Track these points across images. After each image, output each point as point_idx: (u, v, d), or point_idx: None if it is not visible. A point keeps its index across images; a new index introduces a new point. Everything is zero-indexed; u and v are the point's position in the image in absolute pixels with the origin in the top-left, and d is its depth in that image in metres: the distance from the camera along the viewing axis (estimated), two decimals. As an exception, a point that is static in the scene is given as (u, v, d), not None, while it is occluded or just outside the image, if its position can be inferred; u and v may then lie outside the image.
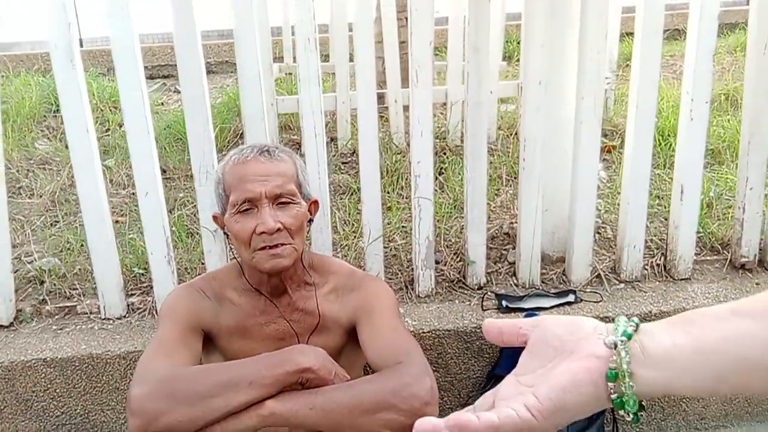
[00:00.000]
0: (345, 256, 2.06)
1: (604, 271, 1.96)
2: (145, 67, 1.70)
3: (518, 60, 3.71)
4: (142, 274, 1.99)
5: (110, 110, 3.32)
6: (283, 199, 1.27)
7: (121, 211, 2.47)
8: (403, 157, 2.71)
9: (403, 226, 2.21)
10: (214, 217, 1.37)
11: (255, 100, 1.74)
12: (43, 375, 1.72)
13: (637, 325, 0.56)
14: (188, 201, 2.48)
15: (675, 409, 1.90)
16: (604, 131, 2.72)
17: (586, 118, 1.82)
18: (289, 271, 1.31)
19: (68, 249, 2.17)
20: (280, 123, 3.03)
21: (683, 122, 1.86)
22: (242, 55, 1.70)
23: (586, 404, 0.55)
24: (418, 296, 1.91)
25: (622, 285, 1.94)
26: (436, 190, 2.11)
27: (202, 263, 1.94)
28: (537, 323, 0.61)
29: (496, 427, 0.52)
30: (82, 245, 2.13)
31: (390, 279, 1.97)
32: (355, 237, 2.15)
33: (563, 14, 1.85)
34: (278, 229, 1.25)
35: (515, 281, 1.95)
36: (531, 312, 1.79)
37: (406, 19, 1.80)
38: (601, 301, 1.85)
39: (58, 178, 2.68)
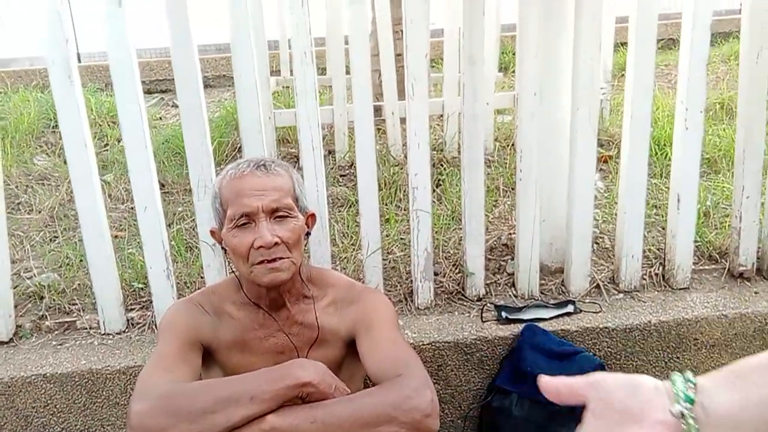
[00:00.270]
0: (344, 268, 2.07)
1: (602, 282, 1.96)
2: (143, 82, 1.71)
3: (514, 71, 3.74)
4: (142, 289, 1.99)
5: (108, 125, 3.33)
6: (280, 213, 1.28)
7: (120, 225, 2.48)
8: (401, 169, 2.72)
9: (401, 238, 2.22)
10: (212, 232, 1.37)
11: (252, 114, 1.75)
12: (43, 391, 1.72)
13: (695, 384, 0.58)
14: (187, 215, 2.49)
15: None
16: (600, 141, 2.73)
17: (582, 129, 1.83)
18: (287, 284, 1.31)
19: (67, 264, 2.17)
20: (278, 136, 3.05)
21: (678, 132, 1.88)
22: (240, 69, 1.71)
23: None
24: (418, 308, 1.91)
25: (621, 295, 1.94)
26: (433, 202, 2.12)
27: (202, 277, 1.94)
28: (593, 383, 0.62)
29: None
30: (81, 260, 2.13)
31: (389, 291, 1.97)
32: (353, 249, 2.15)
33: (557, 25, 1.87)
34: (276, 243, 1.25)
35: (514, 292, 1.95)
36: (531, 323, 1.79)
37: (402, 32, 1.81)
38: (600, 311, 1.85)
39: (57, 194, 2.68)
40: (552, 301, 1.90)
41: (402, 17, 1.76)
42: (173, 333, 1.32)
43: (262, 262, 1.26)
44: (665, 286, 1.97)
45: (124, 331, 1.87)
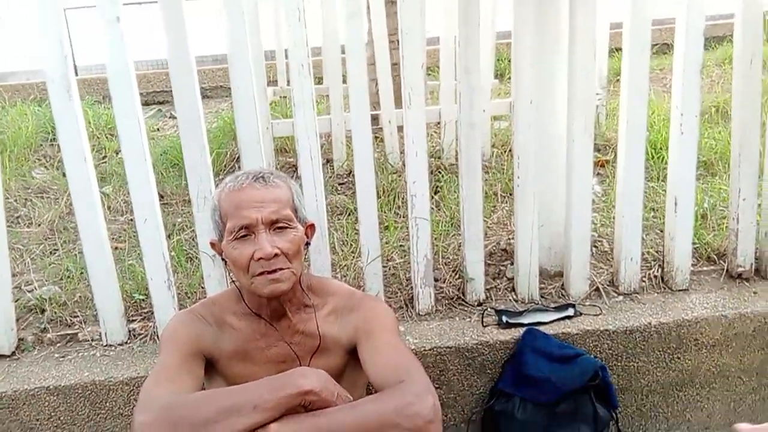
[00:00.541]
0: (344, 276, 2.07)
1: (602, 284, 1.97)
2: (140, 94, 1.72)
3: (510, 77, 3.76)
4: (143, 300, 1.99)
5: (106, 137, 3.35)
6: (280, 225, 1.29)
7: (120, 237, 2.48)
8: (399, 176, 2.73)
9: (401, 245, 2.23)
10: (212, 244, 1.38)
11: (250, 125, 1.76)
12: (47, 403, 1.72)
13: None
14: (186, 226, 2.50)
15: (679, 419, 1.91)
16: (597, 146, 2.75)
17: (578, 136, 1.84)
18: (288, 294, 1.32)
19: (68, 277, 2.17)
20: (276, 146, 3.06)
21: (674, 136, 1.89)
22: (237, 81, 1.73)
23: None
24: (419, 314, 1.92)
25: (621, 297, 1.95)
26: (432, 209, 2.13)
27: (202, 287, 1.95)
28: None
29: None
30: (81, 273, 2.14)
31: (390, 298, 1.98)
32: (353, 257, 2.16)
33: (552, 33, 1.89)
34: (276, 254, 1.26)
35: (514, 296, 1.96)
36: (531, 327, 1.79)
37: (398, 41, 1.83)
38: (600, 314, 1.86)
39: (56, 207, 2.69)
40: (552, 305, 1.91)
41: (397, 27, 1.78)
42: (175, 344, 1.33)
43: (262, 273, 1.26)
44: (665, 288, 1.99)
45: (126, 342, 1.87)
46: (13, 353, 1.85)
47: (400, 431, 1.11)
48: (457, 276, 2.03)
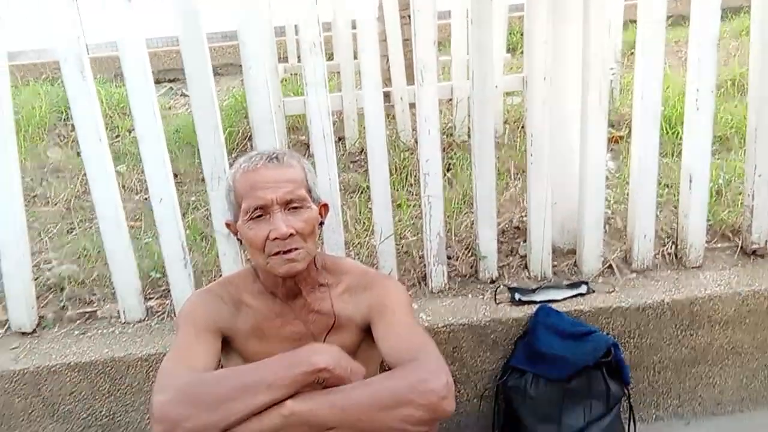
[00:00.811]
0: (357, 254, 2.09)
1: (615, 262, 1.98)
2: (152, 72, 1.72)
3: (522, 51, 3.72)
4: (160, 278, 2.02)
5: (119, 116, 3.36)
6: (294, 205, 1.30)
7: (135, 216, 2.51)
8: (411, 154, 2.73)
9: (413, 223, 2.24)
10: (227, 224, 1.39)
11: (263, 105, 1.76)
12: (68, 379, 1.76)
13: None
14: (200, 204, 2.52)
15: (691, 395, 1.92)
16: (611, 121, 2.72)
17: (592, 112, 1.83)
18: (303, 273, 1.34)
19: (86, 255, 2.21)
20: (288, 124, 3.06)
21: (689, 112, 1.87)
22: (249, 60, 1.72)
23: None
24: (432, 292, 1.94)
25: (634, 275, 1.95)
26: (445, 186, 2.13)
27: (218, 266, 1.97)
28: None
29: None
30: (99, 251, 2.17)
31: (403, 275, 1.99)
32: (366, 235, 2.17)
33: (565, 8, 1.86)
34: (291, 234, 1.27)
35: (527, 274, 1.97)
36: (544, 304, 1.80)
37: (409, 17, 1.81)
38: (613, 291, 1.87)
39: (72, 186, 2.72)
40: (565, 282, 1.92)
41: (409, 2, 1.76)
42: (192, 324, 1.35)
43: (277, 253, 1.28)
44: (678, 265, 1.98)
45: (143, 320, 1.90)
46: (34, 330, 1.89)
47: (414, 407, 1.13)
48: (469, 253, 2.03)
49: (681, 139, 2.00)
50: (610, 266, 1.97)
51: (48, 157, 3.02)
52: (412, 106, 2.81)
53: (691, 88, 1.85)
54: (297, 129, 3.14)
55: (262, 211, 1.28)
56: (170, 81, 4.37)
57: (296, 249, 1.29)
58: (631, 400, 1.79)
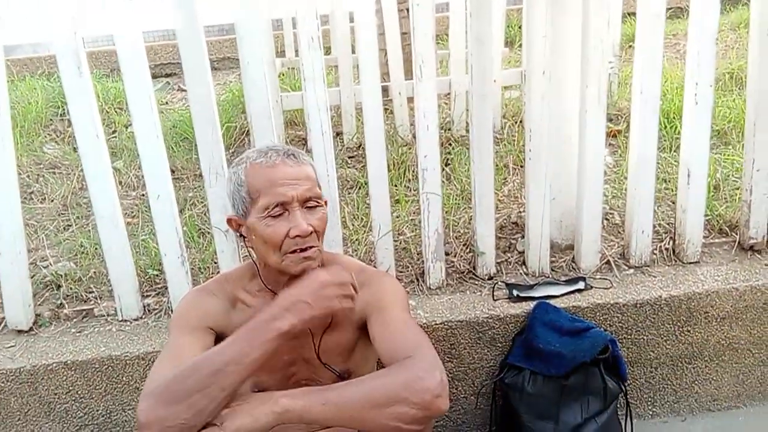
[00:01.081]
0: (355, 251, 2.08)
1: (613, 257, 1.97)
2: (149, 67, 1.71)
3: (520, 45, 3.71)
4: (157, 275, 2.02)
5: (116, 111, 3.34)
6: (311, 203, 1.30)
7: (132, 212, 2.50)
8: (410, 149, 2.72)
9: (411, 219, 2.23)
10: (229, 221, 1.37)
11: (261, 101, 1.75)
12: (65, 377, 1.76)
13: None
14: (198, 200, 2.51)
15: (688, 391, 1.92)
16: (609, 115, 2.72)
17: (591, 107, 1.82)
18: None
19: (82, 253, 2.20)
20: (285, 119, 3.04)
21: (688, 107, 1.87)
22: (246, 56, 1.71)
23: None
24: (429, 288, 1.93)
25: (632, 270, 1.95)
26: (443, 182, 2.12)
27: (215, 262, 1.97)
28: None
29: None
30: (96, 248, 2.16)
31: (401, 272, 1.99)
32: (364, 231, 2.17)
33: (564, 3, 1.85)
34: (310, 232, 1.28)
35: (525, 270, 1.97)
36: (542, 300, 1.80)
37: (407, 10, 1.80)
38: (611, 287, 1.87)
39: (69, 182, 2.70)
40: (563, 278, 1.92)
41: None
42: (181, 326, 1.34)
43: (295, 251, 1.27)
44: (676, 261, 1.98)
45: (141, 318, 1.90)
46: (31, 329, 1.88)
47: (408, 405, 1.13)
48: (468, 250, 2.03)
49: (679, 133, 1.99)
50: (608, 262, 1.97)
51: (44, 153, 3.00)
52: (411, 100, 2.81)
53: (689, 82, 1.85)
54: (295, 124, 3.13)
55: (281, 209, 1.28)
56: (167, 75, 4.35)
57: (311, 247, 1.29)
58: (628, 397, 1.79)
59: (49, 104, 3.36)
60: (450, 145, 2.76)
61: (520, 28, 3.85)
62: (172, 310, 1.88)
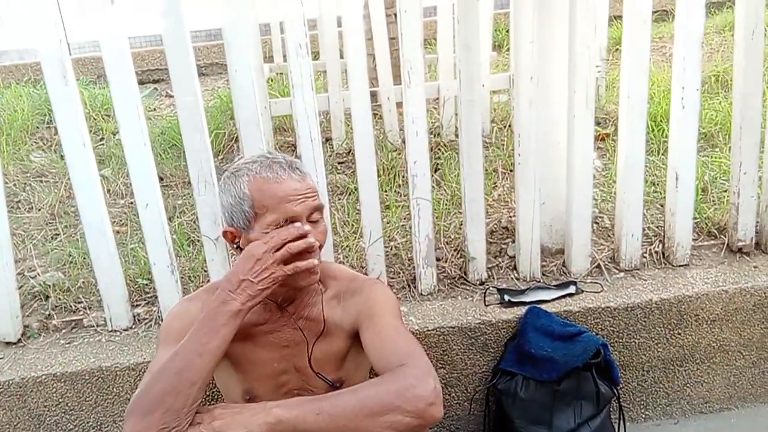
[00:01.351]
0: (346, 257, 2.08)
1: (603, 261, 1.98)
2: (135, 73, 1.70)
3: (508, 49, 3.72)
4: (146, 285, 2.00)
5: (103, 118, 3.32)
6: (314, 216, 1.31)
7: (121, 221, 2.48)
8: (399, 154, 2.72)
9: (402, 225, 2.23)
10: (225, 233, 1.35)
11: (249, 107, 1.74)
12: (54, 389, 1.74)
13: None
14: (187, 208, 2.49)
15: (680, 394, 1.93)
16: (597, 119, 2.74)
17: (579, 111, 1.83)
18: None
19: (71, 262, 2.18)
20: (274, 125, 3.04)
21: (675, 111, 1.88)
22: (234, 64, 1.70)
23: None
24: (421, 294, 1.93)
25: (622, 274, 1.96)
26: (433, 187, 2.12)
27: (205, 271, 1.95)
28: None
29: None
30: (84, 258, 2.14)
31: (392, 278, 1.98)
32: (355, 238, 2.16)
33: (551, 9, 1.86)
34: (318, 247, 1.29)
35: (516, 275, 1.97)
36: (533, 305, 1.80)
37: (395, 15, 1.80)
38: (601, 291, 1.87)
39: (56, 191, 2.68)
40: (554, 283, 1.92)
41: (394, 1, 1.75)
42: (169, 338, 1.32)
43: None
44: (665, 264, 1.99)
45: (131, 327, 1.88)
46: (19, 340, 1.86)
47: (402, 414, 1.13)
48: (458, 255, 2.03)
49: (666, 136, 2.00)
50: (599, 266, 1.98)
51: (31, 161, 2.98)
52: (399, 105, 2.81)
53: (676, 87, 1.86)
54: (284, 130, 3.12)
55: (288, 224, 1.27)
56: (155, 81, 4.33)
57: (317, 261, 1.29)
58: (621, 400, 1.79)
59: (35, 112, 3.33)
60: (440, 149, 2.76)
61: (507, 32, 3.86)
62: (162, 320, 1.87)
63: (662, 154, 2.54)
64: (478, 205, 1.89)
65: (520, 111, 1.85)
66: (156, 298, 1.89)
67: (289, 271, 1.23)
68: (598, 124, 2.78)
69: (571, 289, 1.87)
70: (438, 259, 2.01)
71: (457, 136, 2.08)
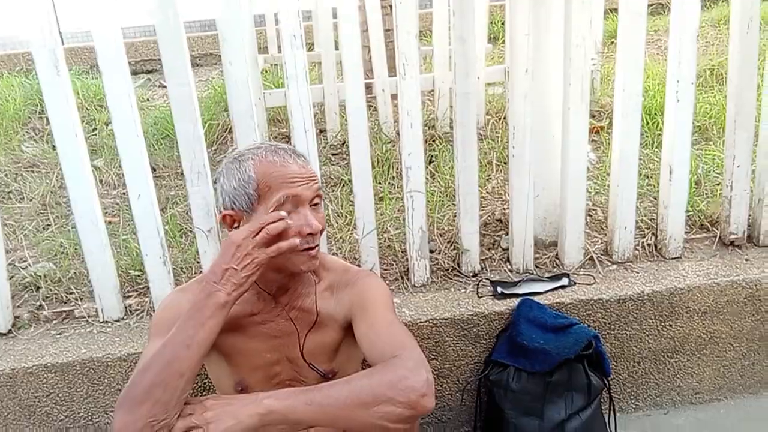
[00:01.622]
0: (339, 249, 2.08)
1: (596, 254, 1.99)
2: (128, 63, 1.68)
3: (503, 42, 3.71)
4: (138, 276, 1.99)
5: (96, 109, 3.30)
6: (316, 201, 1.31)
7: (113, 211, 2.47)
8: (393, 146, 2.72)
9: (396, 217, 2.23)
10: (225, 217, 1.32)
11: (243, 99, 1.73)
12: (45, 380, 1.73)
13: None
14: (180, 199, 2.48)
15: (670, 385, 1.94)
16: (592, 112, 2.73)
17: (574, 105, 1.83)
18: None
19: (62, 253, 2.17)
20: (268, 116, 3.02)
21: (670, 104, 1.88)
22: (229, 56, 1.69)
23: None
24: (414, 286, 1.93)
25: (615, 266, 1.96)
26: (427, 179, 2.12)
27: (198, 262, 1.94)
28: None
29: None
30: (76, 249, 2.13)
31: (385, 270, 1.98)
32: (349, 229, 2.16)
33: (547, 1, 1.85)
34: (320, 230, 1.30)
35: (509, 267, 1.97)
36: (526, 297, 1.81)
37: (390, 6, 1.79)
38: (594, 283, 1.88)
39: (48, 181, 2.67)
40: (546, 275, 1.93)
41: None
42: (157, 332, 1.31)
43: (304, 249, 1.27)
44: (658, 256, 2.00)
45: (122, 318, 1.87)
46: (10, 331, 1.85)
47: (394, 405, 1.12)
48: (452, 247, 2.03)
49: (660, 129, 2.01)
50: (591, 258, 1.98)
51: (23, 151, 2.96)
52: (394, 97, 2.80)
53: (671, 81, 1.86)
54: (278, 121, 3.11)
55: (292, 206, 1.27)
56: (148, 72, 4.30)
57: (316, 246, 1.29)
58: (612, 391, 1.80)
59: (27, 101, 3.31)
60: (434, 141, 2.76)
61: (503, 24, 3.86)
62: (153, 311, 1.86)
63: (656, 147, 2.54)
64: (472, 197, 1.89)
65: (514, 103, 1.84)
66: (148, 289, 1.88)
67: (272, 253, 1.22)
68: (592, 116, 2.78)
69: (564, 281, 1.88)
70: (431, 251, 2.01)
71: (451, 128, 2.08)
